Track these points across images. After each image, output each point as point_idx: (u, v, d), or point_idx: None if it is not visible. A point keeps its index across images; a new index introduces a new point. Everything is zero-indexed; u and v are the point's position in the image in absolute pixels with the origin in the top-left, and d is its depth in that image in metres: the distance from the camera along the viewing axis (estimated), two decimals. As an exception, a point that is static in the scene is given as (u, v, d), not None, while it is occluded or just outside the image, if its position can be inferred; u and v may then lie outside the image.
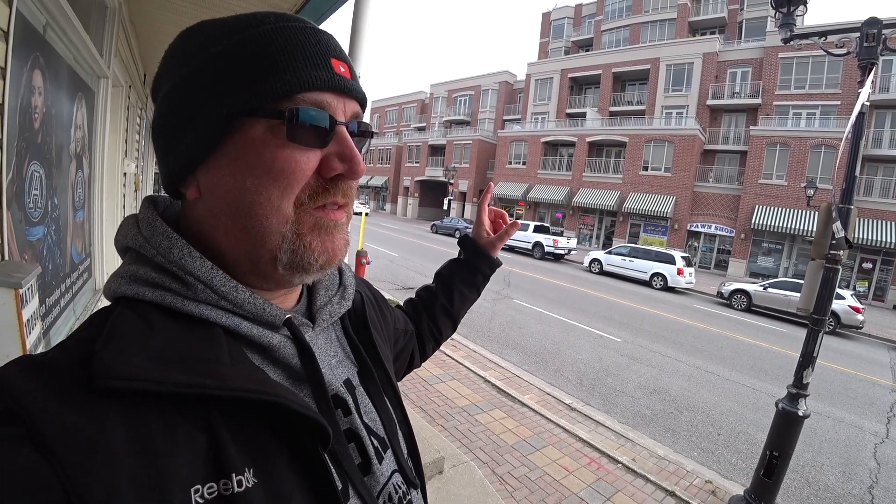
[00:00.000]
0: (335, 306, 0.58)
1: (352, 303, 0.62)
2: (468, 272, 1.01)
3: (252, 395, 0.40)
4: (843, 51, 3.11)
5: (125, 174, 4.00)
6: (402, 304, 1.01)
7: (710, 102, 26.20)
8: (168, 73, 0.47)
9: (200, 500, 0.36)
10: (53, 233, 1.97)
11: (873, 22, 2.86)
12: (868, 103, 2.85)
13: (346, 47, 2.34)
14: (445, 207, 33.69)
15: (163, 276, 0.44)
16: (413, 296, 1.02)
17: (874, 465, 4.83)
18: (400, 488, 0.56)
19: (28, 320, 1.09)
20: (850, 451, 5.09)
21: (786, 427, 3.37)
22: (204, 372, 0.39)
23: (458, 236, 22.43)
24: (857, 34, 2.94)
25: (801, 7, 3.06)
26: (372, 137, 0.54)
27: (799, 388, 3.36)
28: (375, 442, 0.55)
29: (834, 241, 3.01)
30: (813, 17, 65.36)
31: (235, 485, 0.37)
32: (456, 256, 1.04)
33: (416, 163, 41.65)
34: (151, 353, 0.38)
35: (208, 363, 0.40)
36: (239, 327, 0.45)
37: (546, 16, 39.55)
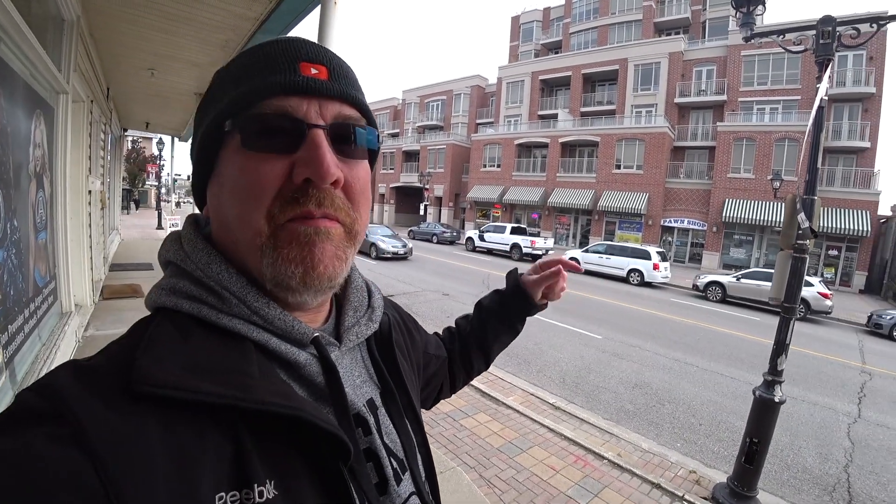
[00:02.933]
0: (362, 328, 0.59)
1: (378, 325, 0.63)
2: (502, 309, 0.98)
3: (277, 409, 0.41)
4: (801, 48, 3.22)
5: (90, 192, 3.88)
6: (439, 331, 0.98)
7: (677, 100, 26.90)
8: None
9: None
10: (14, 256, 1.89)
11: (828, 20, 2.97)
12: (826, 98, 2.96)
13: None
14: (422, 213, 33.68)
15: (201, 290, 0.46)
16: (452, 324, 1.00)
17: (848, 445, 4.99)
18: None
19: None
20: (825, 433, 5.24)
21: (763, 414, 3.45)
22: (234, 383, 0.40)
23: (435, 241, 22.22)
24: (814, 32, 3.04)
25: (759, 7, 3.15)
26: (355, 139, 0.50)
27: (774, 375, 3.45)
28: (394, 463, 0.55)
29: (800, 232, 3.10)
30: (773, 15, 67.77)
31: (257, 495, 0.38)
32: (487, 305, 1.00)
33: (391, 169, 41.56)
34: (186, 363, 0.40)
35: (238, 375, 0.42)
36: (268, 343, 0.47)
37: (515, 19, 40.01)
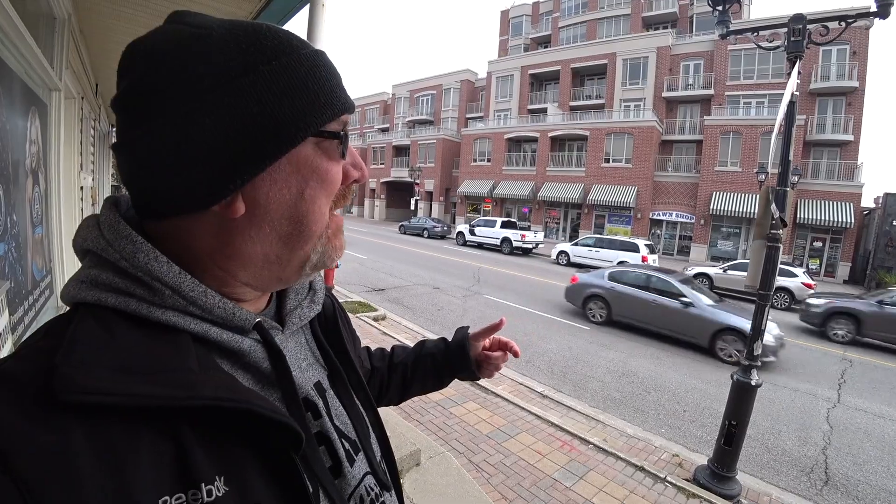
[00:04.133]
0: (305, 310, 0.58)
1: (322, 307, 0.62)
2: (442, 358, 0.96)
3: (222, 403, 0.39)
4: (775, 44, 3.33)
5: (82, 188, 3.91)
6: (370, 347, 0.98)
7: (665, 94, 27.17)
8: (200, 77, 0.42)
9: None
10: (14, 249, 1.95)
11: (799, 18, 3.09)
12: (797, 93, 3.08)
13: None
14: (413, 208, 33.67)
15: (126, 282, 0.42)
16: (389, 349, 0.98)
17: (827, 428, 5.18)
18: (372, 490, 0.56)
19: (0, 333, 1.11)
20: (805, 417, 5.43)
21: (741, 397, 3.59)
22: (172, 382, 0.38)
23: (426, 236, 22.26)
24: (786, 29, 3.16)
25: (735, 5, 3.26)
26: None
27: (751, 359, 3.59)
28: (346, 445, 0.55)
29: (773, 222, 3.23)
30: (762, 9, 68.21)
31: (205, 494, 0.37)
32: (442, 339, 1.01)
33: (381, 164, 41.45)
34: (116, 364, 0.37)
35: (176, 372, 0.39)
36: (208, 333, 0.45)
37: (505, 13, 39.97)
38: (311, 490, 0.45)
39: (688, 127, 26.92)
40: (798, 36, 3.01)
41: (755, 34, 3.33)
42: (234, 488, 0.39)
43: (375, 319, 7.77)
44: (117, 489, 0.33)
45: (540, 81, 33.86)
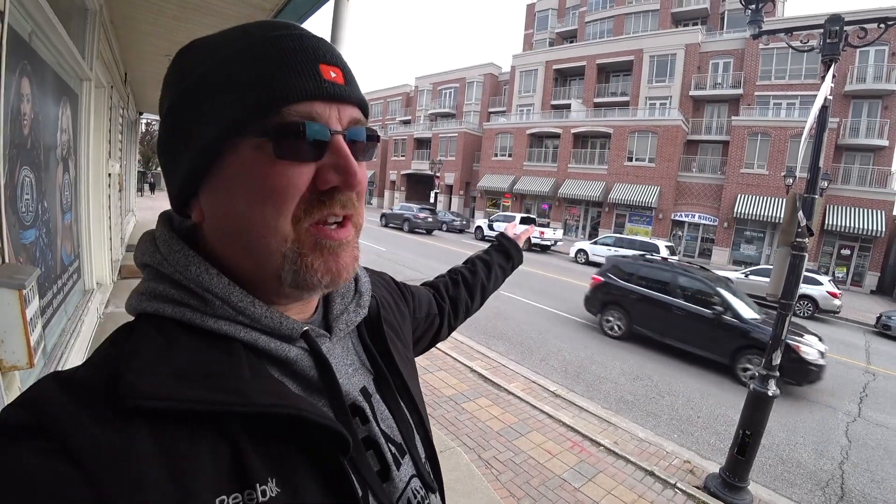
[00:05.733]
0: (351, 315, 0.59)
1: (367, 309, 0.63)
2: (504, 259, 1.21)
3: (274, 410, 0.41)
4: (809, 46, 3.24)
5: (109, 175, 4.02)
6: (434, 279, 1.09)
7: (692, 93, 26.54)
8: (165, 94, 0.48)
9: None
10: (45, 235, 2.02)
11: (835, 19, 2.99)
12: (830, 97, 2.98)
13: None
14: (432, 200, 33.69)
15: (181, 293, 0.45)
16: (453, 273, 1.11)
17: (845, 443, 5.05)
18: (418, 493, 0.57)
19: (31, 319, 1.16)
20: (823, 430, 5.31)
21: (757, 406, 3.53)
22: (226, 388, 0.40)
23: (444, 229, 22.09)
24: (821, 31, 3.06)
25: (768, 4, 3.17)
26: (378, 141, 0.53)
27: (769, 369, 3.53)
28: (393, 448, 0.56)
29: (799, 230, 3.15)
30: (794, 7, 66.13)
31: (259, 495, 0.39)
32: (493, 246, 1.24)
33: (402, 156, 41.50)
34: (174, 370, 0.39)
35: (229, 379, 0.41)
36: (257, 342, 0.46)
37: (531, 7, 39.48)
38: (360, 493, 0.46)
39: (714, 127, 26.31)
40: (834, 38, 2.92)
41: (789, 35, 3.24)
42: (287, 490, 0.41)
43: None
44: (177, 486, 0.35)
45: (564, 77, 33.43)
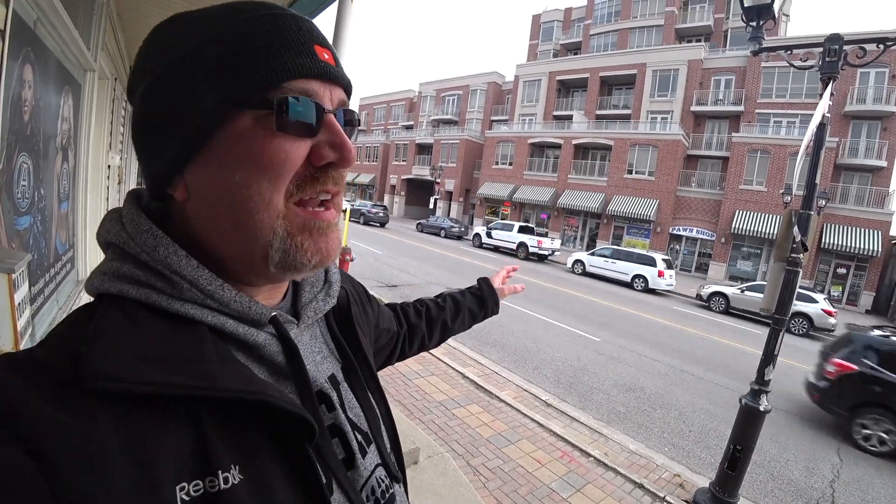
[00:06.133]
0: (320, 303, 0.58)
1: (336, 300, 0.63)
2: (478, 306, 1.15)
3: (241, 395, 0.40)
4: (808, 64, 3.26)
5: (109, 166, 4.01)
6: (401, 303, 1.06)
7: (694, 108, 26.77)
8: (145, 70, 0.46)
9: (186, 498, 0.36)
10: (39, 223, 2.02)
11: (835, 38, 3.02)
12: (829, 114, 3.01)
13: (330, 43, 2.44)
14: (432, 206, 33.75)
15: (147, 274, 0.43)
16: (419, 304, 1.07)
17: (837, 461, 5.05)
18: (383, 482, 0.57)
19: (19, 304, 1.15)
20: (815, 448, 5.30)
21: (749, 422, 3.52)
22: (193, 372, 0.39)
23: (443, 235, 22.36)
24: (821, 49, 3.09)
25: (770, 21, 3.20)
26: (358, 125, 0.53)
27: (761, 384, 3.52)
28: (359, 437, 0.56)
29: (794, 245, 3.16)
30: (798, 27, 66.76)
31: (222, 482, 0.38)
32: (471, 288, 1.19)
33: (404, 161, 41.60)
34: (139, 353, 0.38)
35: (196, 363, 0.40)
36: (224, 326, 0.45)
37: (536, 18, 39.82)
38: (324, 481, 0.45)
39: (715, 143, 26.50)
40: (833, 57, 2.95)
41: (789, 52, 3.27)
42: (249, 477, 0.40)
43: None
44: (139, 473, 0.34)
45: (567, 88, 33.64)
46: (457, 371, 5.66)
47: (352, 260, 9.76)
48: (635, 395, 6.04)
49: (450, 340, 7.11)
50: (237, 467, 0.39)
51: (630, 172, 26.82)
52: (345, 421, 0.54)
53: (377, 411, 0.62)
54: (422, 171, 38.98)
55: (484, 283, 1.20)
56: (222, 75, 0.42)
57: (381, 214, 27.15)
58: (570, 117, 31.62)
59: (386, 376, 5.10)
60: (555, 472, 3.67)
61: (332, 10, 2.76)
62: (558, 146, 30.28)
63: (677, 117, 27.13)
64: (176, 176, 0.45)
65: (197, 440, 0.38)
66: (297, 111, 0.43)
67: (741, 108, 25.16)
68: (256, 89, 0.42)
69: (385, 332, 0.89)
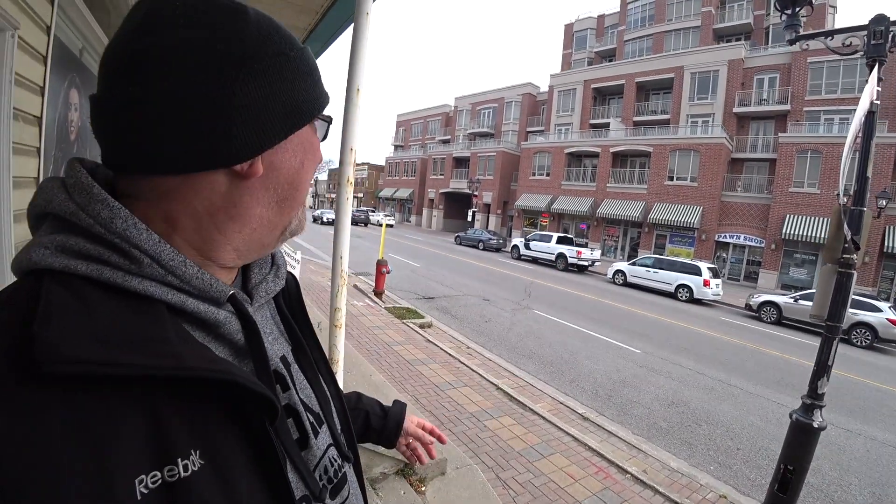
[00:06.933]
0: (270, 284, 0.59)
1: (285, 282, 0.63)
2: (379, 420, 0.95)
3: (207, 374, 0.39)
4: (851, 51, 3.05)
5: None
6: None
7: (736, 110, 25.74)
8: (244, 46, 0.44)
9: (144, 491, 0.34)
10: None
11: (881, 19, 2.81)
12: (877, 101, 2.78)
13: (346, 67, 2.48)
14: (469, 219, 33.80)
15: (100, 248, 0.40)
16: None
17: (909, 486, 4.60)
18: (335, 462, 0.58)
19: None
20: (881, 472, 4.84)
21: (800, 439, 3.24)
22: (156, 352, 0.37)
23: (481, 248, 22.56)
24: (864, 33, 2.89)
25: (806, 8, 3.02)
26: None
27: (814, 398, 3.24)
28: (311, 417, 0.56)
29: (846, 245, 2.92)
30: (846, 20, 63.49)
31: (181, 469, 0.37)
32: (384, 408, 0.98)
33: (441, 175, 42.07)
34: (96, 334, 0.35)
35: (158, 342, 0.38)
36: (185, 303, 0.44)
37: (569, 27, 39.62)
38: (281, 462, 0.45)
39: (760, 144, 25.37)
40: (879, 39, 2.73)
41: (829, 38, 3.06)
42: (211, 461, 0.39)
43: (421, 327, 7.80)
44: (94, 469, 0.32)
45: (603, 96, 33.17)
46: (490, 382, 5.55)
47: (388, 272, 9.86)
48: (678, 410, 5.73)
49: (484, 352, 7.05)
50: (197, 452, 0.38)
51: (671, 179, 26.01)
52: (298, 401, 0.55)
53: (327, 392, 0.63)
54: (459, 185, 39.29)
55: (396, 415, 0.97)
56: (315, 90, 0.50)
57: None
58: (606, 125, 31.13)
59: (417, 386, 5.07)
60: (589, 488, 3.49)
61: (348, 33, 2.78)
62: (596, 155, 29.81)
63: (719, 120, 26.16)
64: (256, 154, 0.46)
65: (154, 427, 0.37)
66: (328, 123, 0.56)
67: (787, 106, 23.98)
68: (325, 105, 0.53)
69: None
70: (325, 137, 0.57)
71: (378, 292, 9.65)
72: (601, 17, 37.24)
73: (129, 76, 0.41)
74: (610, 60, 34.92)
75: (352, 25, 2.64)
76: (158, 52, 0.41)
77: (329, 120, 0.55)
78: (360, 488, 0.67)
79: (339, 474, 0.59)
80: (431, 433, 1.01)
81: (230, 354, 0.48)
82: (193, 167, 0.43)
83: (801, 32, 2.95)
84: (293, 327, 0.62)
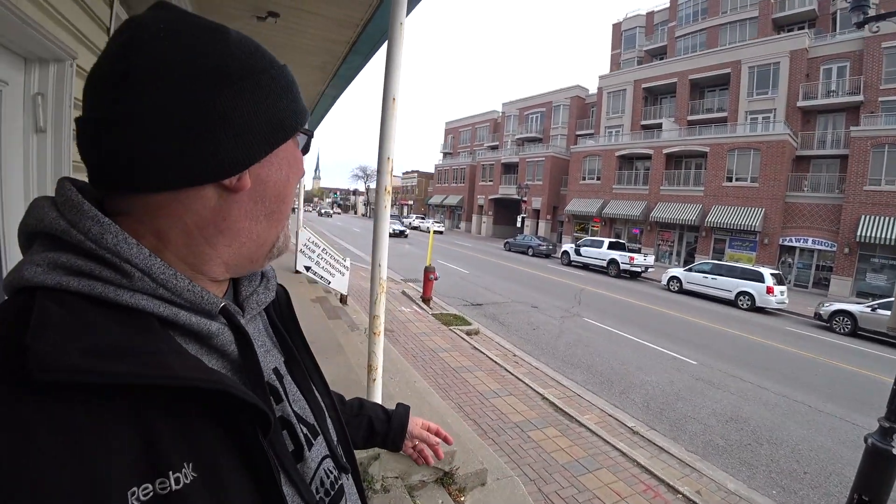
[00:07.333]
0: (260, 296, 0.59)
1: (276, 295, 0.63)
2: (383, 425, 0.95)
3: (199, 384, 0.39)
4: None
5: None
6: None
7: (801, 104, 24.07)
8: (226, 64, 0.45)
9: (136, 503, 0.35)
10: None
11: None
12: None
13: (381, 79, 2.52)
14: (519, 225, 33.55)
15: (91, 264, 0.41)
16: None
17: None
18: (331, 473, 0.58)
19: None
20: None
21: (877, 466, 2.98)
22: (148, 363, 0.38)
23: (530, 254, 22.17)
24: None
25: (872, -1, 2.80)
26: None
27: (892, 421, 2.98)
28: (305, 429, 0.57)
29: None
30: (929, 4, 58.40)
31: (173, 482, 0.37)
32: (387, 411, 0.98)
33: (490, 181, 42.10)
34: (88, 346, 0.36)
35: (150, 354, 0.39)
36: (177, 316, 0.44)
37: (616, 27, 38.66)
38: (276, 475, 0.45)
39: (829, 140, 23.58)
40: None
41: (900, 27, 2.81)
42: (204, 474, 0.39)
43: (468, 334, 7.80)
44: (85, 483, 0.33)
45: (654, 95, 32.06)
46: (536, 392, 5.47)
47: (436, 278, 9.93)
48: (737, 427, 5.40)
49: (531, 360, 6.95)
50: (190, 465, 0.39)
51: (730, 180, 24.68)
52: (291, 413, 0.56)
53: (322, 403, 0.63)
54: (508, 191, 39.17)
55: (402, 406, 1.00)
56: (290, 99, 0.51)
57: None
58: (659, 126, 30.04)
59: (462, 394, 5.07)
60: (637, 508, 3.37)
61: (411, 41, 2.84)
62: (648, 157, 28.83)
63: (781, 115, 24.55)
64: (242, 169, 0.48)
65: (146, 439, 0.37)
66: (309, 137, 0.58)
67: (860, 97, 22.12)
68: (305, 118, 0.54)
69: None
70: (306, 150, 0.58)
71: (426, 299, 9.74)
72: (650, 15, 36.07)
73: (114, 96, 0.42)
74: (661, 58, 33.69)
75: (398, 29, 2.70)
76: (142, 71, 0.42)
77: (310, 133, 0.57)
78: (361, 499, 0.66)
79: (336, 486, 0.59)
80: (437, 434, 1.01)
81: (223, 366, 0.49)
82: (182, 183, 0.44)
83: (870, 14, 2.73)
84: (285, 338, 0.63)
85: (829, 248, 21.62)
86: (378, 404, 0.99)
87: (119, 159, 0.43)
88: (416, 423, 0.99)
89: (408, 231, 35.37)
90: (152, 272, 0.43)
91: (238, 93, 0.45)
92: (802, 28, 26.43)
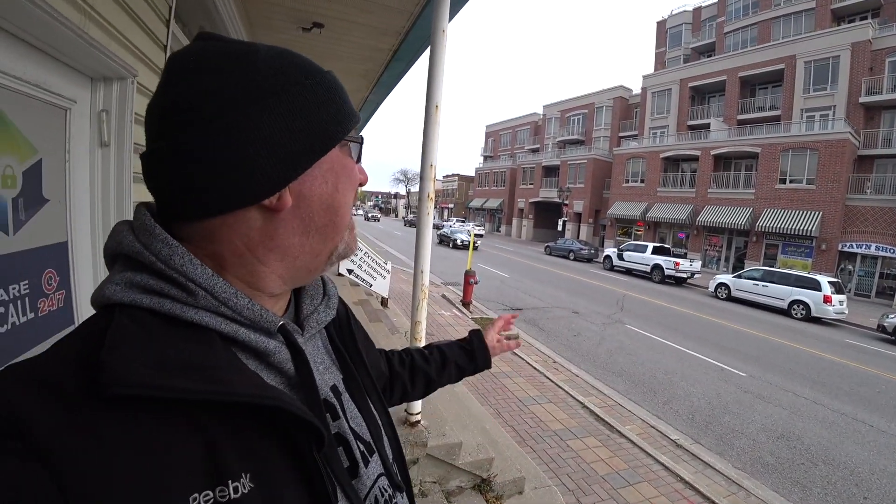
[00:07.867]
0: (321, 314, 0.61)
1: (336, 312, 0.65)
2: (467, 360, 1.09)
3: (256, 400, 0.42)
4: None
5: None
6: (389, 350, 1.04)
7: (863, 100, 22.54)
8: (258, 84, 0.47)
9: None
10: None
11: None
12: None
13: (422, 82, 2.56)
14: (560, 229, 33.12)
15: (161, 283, 0.45)
16: (405, 353, 1.04)
17: None
18: (386, 491, 0.59)
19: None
20: None
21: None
22: (208, 378, 0.41)
23: (572, 258, 21.73)
24: None
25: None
26: None
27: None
28: (361, 446, 0.58)
29: None
30: None
31: (232, 491, 0.39)
32: (461, 341, 1.13)
33: (531, 184, 41.74)
34: (156, 360, 0.40)
35: (210, 369, 0.42)
36: (237, 333, 0.47)
37: (661, 24, 37.59)
38: (330, 489, 0.47)
39: (895, 138, 22.07)
40: None
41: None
42: (260, 485, 0.42)
43: (507, 338, 7.78)
44: (151, 486, 0.36)
45: (701, 94, 30.94)
46: (576, 400, 5.44)
47: (476, 283, 9.98)
48: (789, 444, 5.18)
49: (571, 367, 6.89)
50: (248, 475, 0.41)
51: (783, 182, 23.44)
52: (348, 430, 0.57)
53: (379, 421, 0.64)
54: (549, 194, 38.75)
55: (476, 336, 1.13)
56: (331, 108, 0.51)
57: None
58: (706, 126, 28.95)
59: (500, 400, 5.09)
60: (680, 524, 3.31)
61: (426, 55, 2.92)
62: (695, 158, 27.81)
63: (841, 112, 23.09)
64: (280, 189, 0.49)
65: (208, 449, 0.40)
66: (360, 144, 0.57)
67: (931, 93, 20.64)
68: (352, 127, 0.53)
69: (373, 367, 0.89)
70: (358, 159, 0.57)
71: (466, 303, 9.80)
72: (697, 11, 34.85)
73: (158, 131, 0.47)
74: (708, 56, 32.46)
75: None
76: (174, 105, 0.46)
77: (360, 141, 0.56)
78: None
79: None
80: (506, 325, 1.21)
81: (281, 383, 0.51)
82: (224, 208, 0.47)
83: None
84: (344, 356, 0.64)
85: (894, 255, 20.19)
86: (453, 343, 1.11)
87: (161, 190, 0.48)
88: (492, 339, 1.14)
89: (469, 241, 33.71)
90: (214, 291, 0.47)
91: (266, 112, 0.46)
92: (865, 18, 24.84)
